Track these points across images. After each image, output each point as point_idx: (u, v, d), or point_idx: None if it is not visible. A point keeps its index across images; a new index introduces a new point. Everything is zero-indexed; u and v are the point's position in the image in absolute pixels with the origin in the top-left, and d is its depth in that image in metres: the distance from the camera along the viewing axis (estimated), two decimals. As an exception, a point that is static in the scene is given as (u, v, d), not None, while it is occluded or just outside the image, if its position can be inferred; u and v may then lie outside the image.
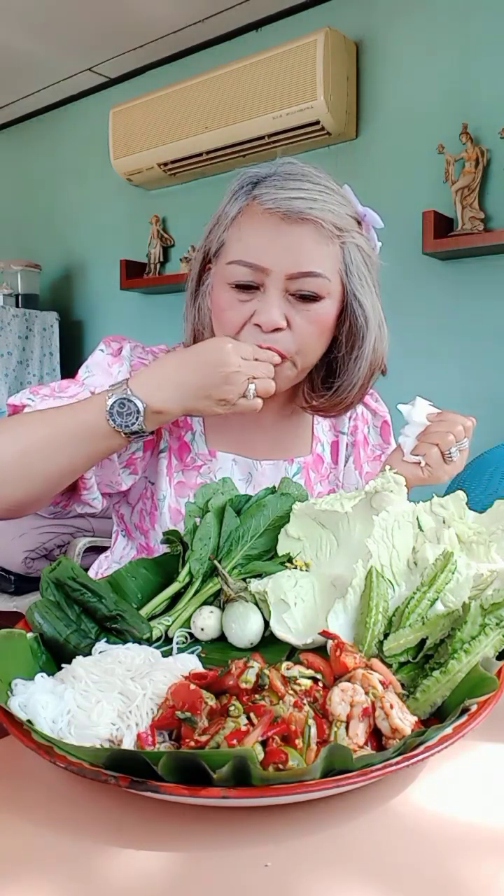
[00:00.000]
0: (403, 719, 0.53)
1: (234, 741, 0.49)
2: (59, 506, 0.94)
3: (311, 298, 0.90)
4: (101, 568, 1.09)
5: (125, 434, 0.82)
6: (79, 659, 0.62)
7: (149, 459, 1.01)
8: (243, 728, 0.50)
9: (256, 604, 0.75)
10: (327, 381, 1.02)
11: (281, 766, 0.48)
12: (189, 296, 1.00)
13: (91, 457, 0.85)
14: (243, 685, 0.54)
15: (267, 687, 0.54)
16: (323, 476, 1.10)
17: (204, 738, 0.51)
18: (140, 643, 0.68)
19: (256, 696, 0.54)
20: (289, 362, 0.92)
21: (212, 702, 0.53)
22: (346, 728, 0.52)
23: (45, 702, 0.55)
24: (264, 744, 0.50)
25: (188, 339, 1.01)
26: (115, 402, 0.81)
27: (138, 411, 0.81)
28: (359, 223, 0.94)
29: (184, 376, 0.84)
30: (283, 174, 0.90)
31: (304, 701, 0.54)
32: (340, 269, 0.92)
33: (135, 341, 1.02)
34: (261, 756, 0.49)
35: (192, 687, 0.55)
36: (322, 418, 1.12)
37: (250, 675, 0.55)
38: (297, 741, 0.51)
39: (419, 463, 0.94)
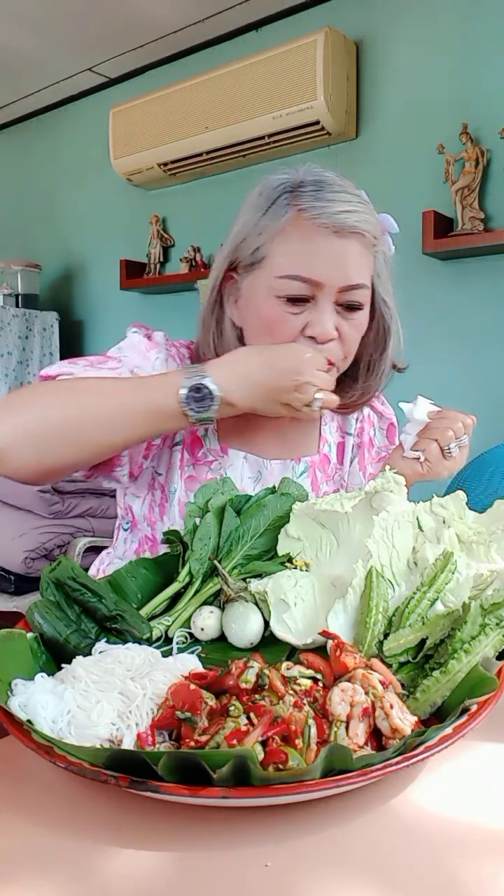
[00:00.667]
0: (403, 719, 0.53)
1: (234, 741, 0.49)
2: (82, 475, 0.95)
3: (355, 308, 0.93)
4: (102, 564, 1.09)
5: (193, 419, 0.83)
6: (79, 659, 0.62)
7: (161, 449, 1.02)
8: (243, 728, 0.50)
9: (256, 604, 0.75)
10: (350, 381, 1.05)
11: (281, 766, 0.48)
12: (210, 305, 1.00)
13: (148, 435, 0.86)
14: (243, 685, 0.54)
15: (267, 687, 0.54)
16: (329, 476, 1.11)
17: (204, 738, 0.51)
18: (140, 643, 0.68)
19: (256, 696, 0.54)
20: (334, 368, 0.95)
21: (212, 702, 0.53)
22: (346, 728, 0.52)
23: (45, 702, 0.55)
24: (264, 744, 0.50)
25: (209, 348, 1.01)
26: (192, 386, 0.82)
27: (214, 399, 0.83)
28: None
29: (262, 376, 0.85)
30: (318, 183, 0.91)
31: (304, 701, 0.54)
32: (373, 276, 0.95)
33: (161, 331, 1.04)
34: (261, 756, 0.49)
35: (192, 687, 0.55)
36: (329, 419, 1.13)
37: (250, 675, 0.55)
38: (297, 741, 0.51)
39: (419, 458, 0.95)
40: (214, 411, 0.83)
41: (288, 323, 0.91)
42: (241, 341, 0.98)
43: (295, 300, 0.91)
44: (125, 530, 1.08)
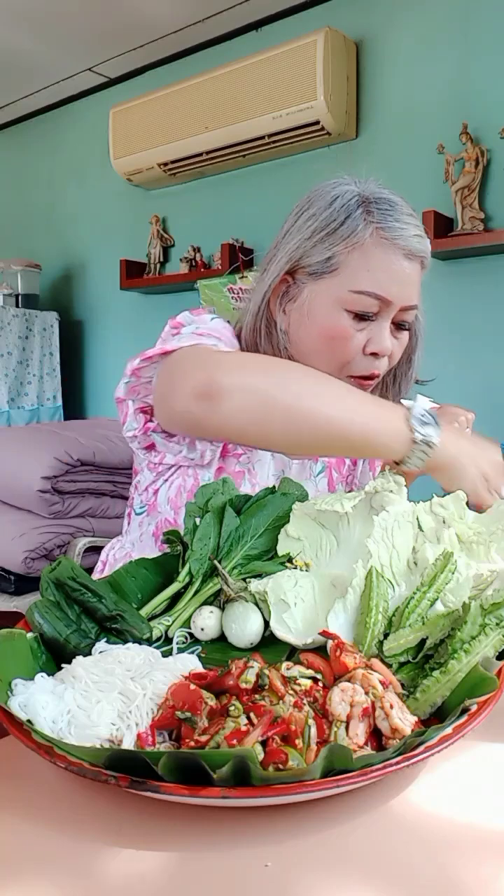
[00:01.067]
0: (403, 719, 0.53)
1: (234, 741, 0.49)
2: (182, 441, 0.97)
3: (404, 328, 0.97)
4: (112, 549, 1.10)
5: (418, 438, 0.80)
6: (79, 659, 0.62)
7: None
8: (243, 728, 0.50)
9: (256, 604, 0.75)
10: (380, 394, 1.08)
11: (281, 766, 0.48)
12: (258, 306, 1.00)
13: (358, 448, 0.83)
14: (243, 685, 0.54)
15: (267, 687, 0.54)
16: (343, 476, 1.14)
17: (204, 738, 0.51)
18: (140, 643, 0.68)
19: (256, 696, 0.54)
20: (372, 382, 0.99)
21: (212, 702, 0.53)
22: (346, 728, 0.52)
23: (45, 702, 0.55)
24: (264, 744, 0.50)
25: (256, 349, 1.01)
26: (419, 408, 0.81)
27: (437, 425, 0.81)
28: None
29: (468, 438, 0.86)
30: (388, 202, 0.94)
31: (304, 701, 0.54)
32: None
33: None
34: (261, 756, 0.49)
35: (192, 687, 0.55)
36: None
37: (250, 675, 0.55)
38: (297, 741, 0.51)
39: None
40: (435, 438, 0.79)
41: (353, 339, 0.93)
42: (288, 347, 0.99)
43: (363, 316, 0.93)
44: (139, 514, 1.08)
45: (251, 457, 1.03)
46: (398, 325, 0.96)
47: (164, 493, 1.05)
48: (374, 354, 0.94)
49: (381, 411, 0.81)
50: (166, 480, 1.05)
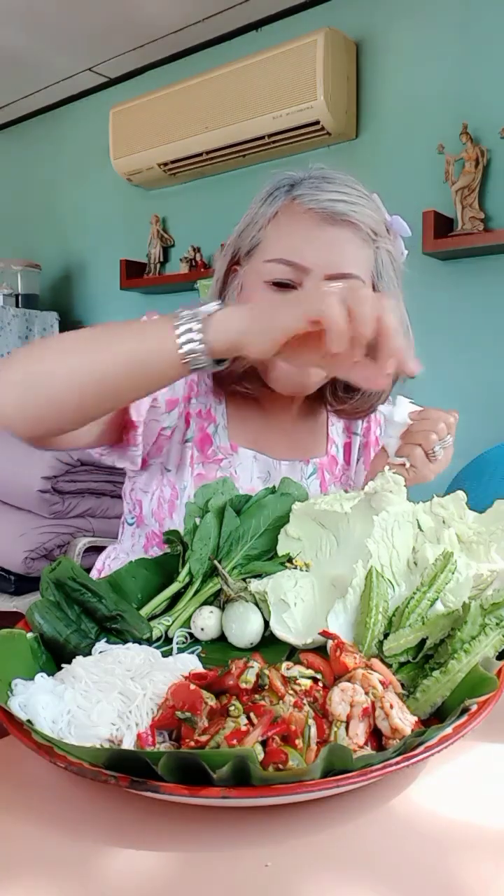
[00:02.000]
0: (403, 719, 0.53)
1: (234, 741, 0.49)
2: (99, 450, 0.94)
3: None
4: (108, 559, 1.10)
5: (178, 339, 0.69)
6: (79, 659, 0.62)
7: (171, 444, 1.02)
8: (243, 728, 0.50)
9: (256, 604, 0.75)
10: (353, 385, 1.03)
11: (281, 766, 0.48)
12: (214, 296, 1.01)
13: (141, 378, 0.73)
14: (243, 685, 0.54)
15: (267, 687, 0.54)
16: (336, 477, 1.12)
17: (204, 738, 0.51)
18: (140, 643, 0.68)
19: (256, 696, 0.54)
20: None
21: (212, 702, 0.53)
22: (346, 728, 0.52)
23: (45, 702, 0.55)
24: (264, 744, 0.50)
25: None
26: (186, 306, 0.73)
27: (208, 312, 0.70)
28: (387, 230, 0.97)
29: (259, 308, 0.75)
30: (319, 177, 0.92)
31: (304, 701, 0.54)
32: (373, 273, 0.94)
33: None
34: (261, 756, 0.49)
35: (192, 687, 0.55)
36: (336, 420, 1.13)
37: (250, 675, 0.55)
38: (297, 741, 0.51)
39: (404, 465, 0.93)
40: (197, 325, 0.68)
41: None
42: None
43: (281, 285, 0.90)
44: (130, 525, 1.08)
45: (232, 461, 1.02)
46: None
47: (147, 506, 1.04)
48: None
49: (142, 328, 0.73)
50: (145, 492, 1.04)
